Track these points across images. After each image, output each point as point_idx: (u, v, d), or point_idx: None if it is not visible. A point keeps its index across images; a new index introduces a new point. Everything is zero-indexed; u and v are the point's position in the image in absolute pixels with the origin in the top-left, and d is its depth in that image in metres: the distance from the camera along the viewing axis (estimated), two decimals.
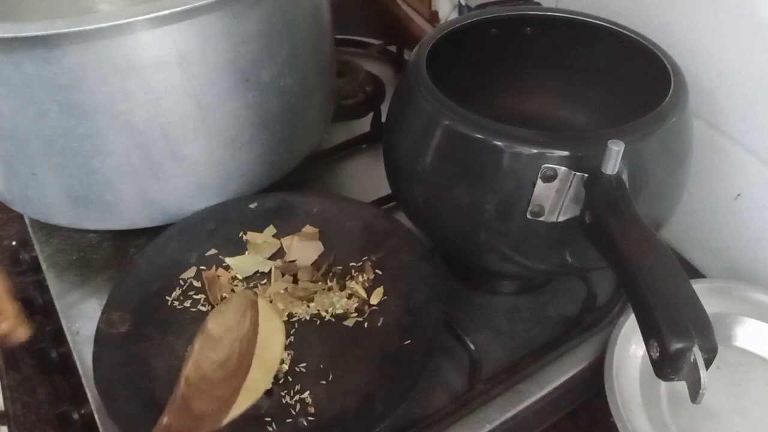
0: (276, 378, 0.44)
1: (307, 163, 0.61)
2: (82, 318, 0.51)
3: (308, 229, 0.53)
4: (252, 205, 0.55)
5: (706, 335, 0.31)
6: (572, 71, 0.56)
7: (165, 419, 0.34)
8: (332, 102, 0.64)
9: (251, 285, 0.50)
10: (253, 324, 0.36)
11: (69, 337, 0.50)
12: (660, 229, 0.47)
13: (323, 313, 0.47)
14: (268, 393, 0.43)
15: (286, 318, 0.47)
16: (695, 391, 0.31)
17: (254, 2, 0.46)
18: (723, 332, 0.49)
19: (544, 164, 0.39)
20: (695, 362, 0.31)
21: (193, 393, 0.35)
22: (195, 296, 0.49)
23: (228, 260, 0.51)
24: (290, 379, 0.44)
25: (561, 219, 0.41)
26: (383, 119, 0.64)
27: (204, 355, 0.37)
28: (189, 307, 0.49)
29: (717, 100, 0.52)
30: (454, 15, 0.83)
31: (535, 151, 0.40)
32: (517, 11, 0.53)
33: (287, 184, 0.58)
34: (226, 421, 0.34)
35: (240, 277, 0.50)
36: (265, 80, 0.50)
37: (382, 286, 0.48)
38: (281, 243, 0.52)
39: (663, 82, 0.45)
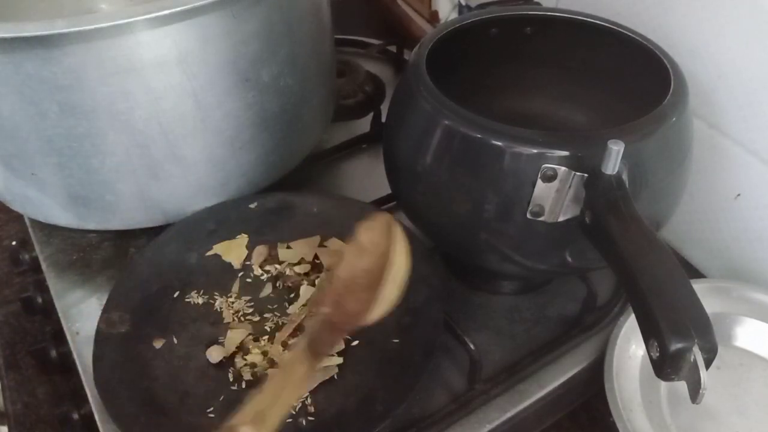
0: None
1: (307, 163, 0.61)
2: (82, 318, 0.51)
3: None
4: (252, 205, 0.55)
5: (706, 335, 0.31)
6: (572, 71, 0.56)
7: (324, 309, 0.39)
8: (332, 102, 0.64)
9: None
10: (390, 243, 0.40)
11: (69, 337, 0.50)
12: (660, 229, 0.47)
13: None
14: None
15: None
16: (695, 391, 0.31)
17: (254, 2, 0.46)
18: (723, 332, 0.49)
19: (544, 164, 0.39)
20: (695, 362, 0.31)
21: (344, 292, 0.39)
22: (195, 296, 0.49)
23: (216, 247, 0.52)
24: None
25: (561, 219, 0.41)
26: (383, 119, 0.64)
27: (353, 262, 0.40)
28: (189, 307, 0.49)
29: (717, 100, 0.52)
30: (454, 15, 0.83)
31: (535, 151, 0.40)
32: (517, 11, 0.53)
33: (287, 184, 0.58)
34: (368, 321, 0.38)
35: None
36: (265, 80, 0.50)
37: None
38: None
39: (663, 82, 0.45)
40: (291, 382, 0.36)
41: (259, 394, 0.35)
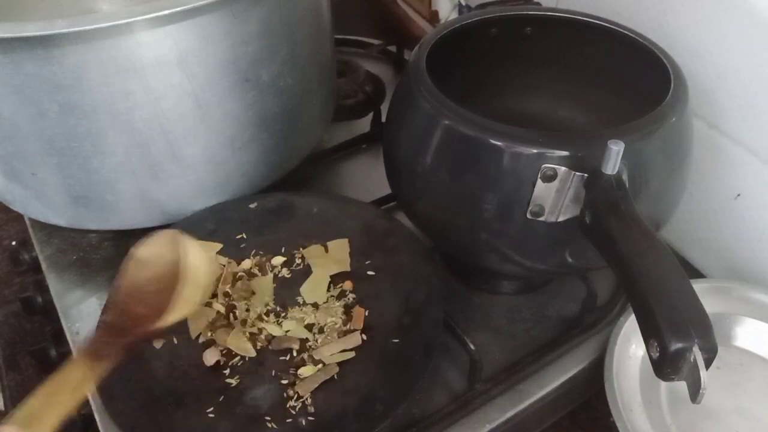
0: (278, 376, 0.44)
1: (307, 163, 0.61)
2: (82, 318, 0.51)
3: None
4: (252, 205, 0.55)
5: (706, 335, 0.31)
6: (572, 71, 0.56)
7: (105, 317, 0.41)
8: (332, 102, 0.64)
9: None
10: (177, 252, 0.42)
11: (69, 337, 0.50)
12: (660, 229, 0.47)
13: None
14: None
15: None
16: (695, 391, 0.31)
17: (254, 2, 0.46)
18: (723, 332, 0.49)
19: (544, 164, 0.39)
20: (695, 362, 0.31)
21: (130, 300, 0.41)
22: None
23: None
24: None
25: (561, 219, 0.41)
26: (383, 119, 0.64)
27: (133, 274, 0.42)
28: None
29: (717, 100, 0.52)
30: (454, 15, 0.83)
31: (535, 151, 0.40)
32: (517, 11, 0.53)
33: (287, 184, 0.58)
34: (159, 324, 0.40)
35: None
36: (265, 80, 0.50)
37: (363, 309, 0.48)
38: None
39: (663, 82, 0.45)
40: (66, 385, 0.36)
41: (31, 398, 0.35)
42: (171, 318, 0.41)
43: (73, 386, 0.36)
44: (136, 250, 0.44)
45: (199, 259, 0.42)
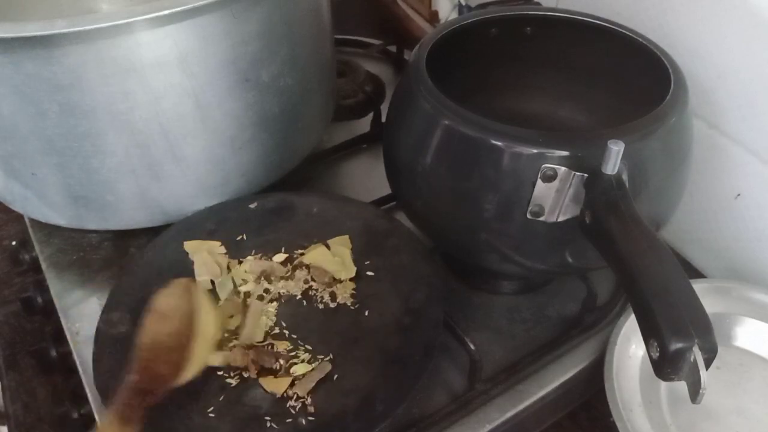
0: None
1: (307, 163, 0.61)
2: (82, 318, 0.51)
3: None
4: (252, 205, 0.55)
5: (706, 335, 0.31)
6: (572, 71, 0.56)
7: (132, 377, 0.40)
8: (332, 102, 0.64)
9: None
10: (191, 305, 0.43)
11: (69, 337, 0.50)
12: (660, 229, 0.47)
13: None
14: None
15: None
16: (695, 391, 0.31)
17: (254, 2, 0.46)
18: (723, 332, 0.50)
19: (544, 164, 0.39)
20: (695, 362, 0.31)
21: (152, 357, 0.41)
22: None
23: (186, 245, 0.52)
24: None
25: (561, 219, 0.41)
26: (383, 119, 0.64)
27: (154, 329, 0.42)
28: None
29: (717, 100, 0.52)
30: (454, 15, 0.83)
31: (535, 151, 0.40)
32: (517, 11, 0.53)
33: (287, 184, 0.58)
34: (181, 381, 0.40)
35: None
36: (265, 80, 0.50)
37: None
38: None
39: (663, 82, 0.45)
40: None
41: None
42: (186, 376, 0.41)
43: None
44: (156, 301, 0.44)
45: (210, 314, 0.42)
